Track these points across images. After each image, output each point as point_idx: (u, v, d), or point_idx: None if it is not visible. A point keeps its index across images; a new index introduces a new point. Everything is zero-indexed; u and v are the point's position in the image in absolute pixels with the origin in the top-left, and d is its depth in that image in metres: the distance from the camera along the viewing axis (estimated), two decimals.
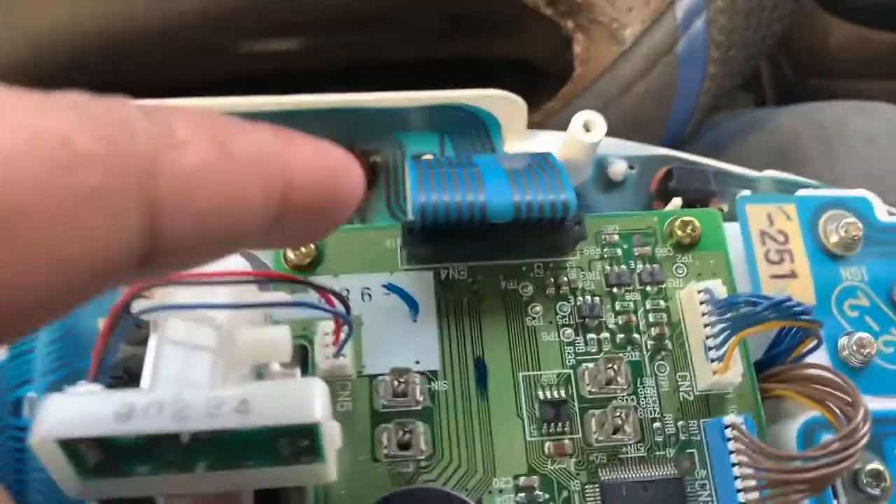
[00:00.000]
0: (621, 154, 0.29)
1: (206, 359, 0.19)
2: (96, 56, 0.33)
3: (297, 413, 0.18)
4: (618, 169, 0.28)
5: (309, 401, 0.18)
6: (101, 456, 0.19)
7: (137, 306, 0.20)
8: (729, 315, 0.22)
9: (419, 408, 0.22)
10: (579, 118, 0.26)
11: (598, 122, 0.26)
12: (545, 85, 0.61)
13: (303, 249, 0.24)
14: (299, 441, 0.19)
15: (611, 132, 0.27)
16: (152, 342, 0.20)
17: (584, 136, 0.26)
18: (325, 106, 0.27)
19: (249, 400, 0.18)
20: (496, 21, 0.41)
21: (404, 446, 0.22)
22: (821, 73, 0.52)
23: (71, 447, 0.18)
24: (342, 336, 0.21)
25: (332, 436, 0.19)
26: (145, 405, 0.18)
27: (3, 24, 0.31)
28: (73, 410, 0.18)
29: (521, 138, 0.28)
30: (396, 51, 0.40)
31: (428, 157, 0.28)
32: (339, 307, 0.21)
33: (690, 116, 0.33)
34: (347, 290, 0.23)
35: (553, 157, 0.25)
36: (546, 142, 0.29)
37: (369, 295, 0.23)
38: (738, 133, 0.37)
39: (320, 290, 0.21)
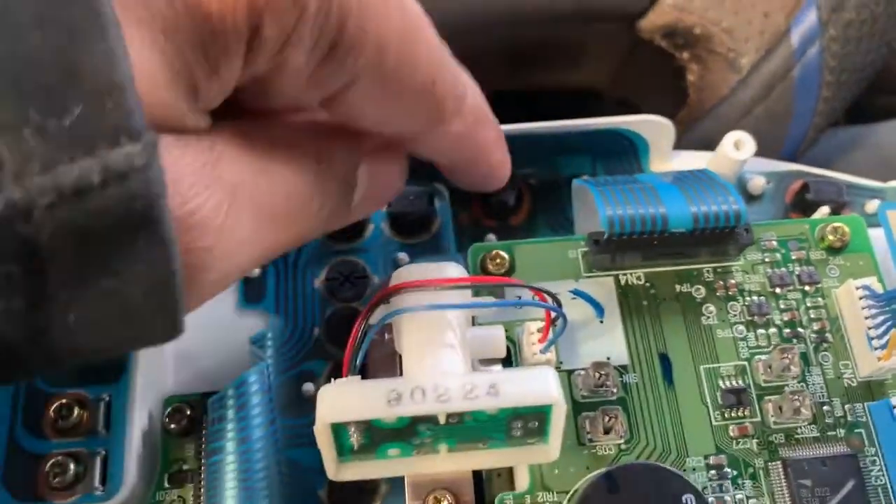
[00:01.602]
0: (758, 170, 0.31)
1: (450, 351, 0.22)
2: None
3: (539, 394, 0.21)
4: (757, 183, 0.31)
5: (548, 384, 0.21)
6: (363, 439, 0.22)
7: (380, 313, 0.23)
8: (889, 308, 0.25)
9: (615, 398, 0.25)
10: (731, 138, 0.29)
11: (748, 142, 0.29)
12: (604, 110, 0.64)
13: (498, 261, 0.26)
14: (531, 422, 0.22)
15: None
16: (400, 342, 0.23)
17: (734, 153, 0.29)
18: None
19: (498, 384, 0.21)
20: (597, 53, 0.44)
21: (607, 431, 0.24)
22: (888, 91, 0.55)
23: (341, 431, 0.21)
24: (552, 333, 0.24)
25: (560, 416, 0.22)
26: (410, 390, 0.21)
27: None
28: (347, 398, 0.21)
29: (666, 158, 0.32)
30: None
31: (584, 177, 0.31)
32: (553, 304, 0.24)
33: (805, 136, 0.35)
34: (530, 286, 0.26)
35: (712, 173, 0.27)
36: (688, 160, 0.32)
37: (559, 301, 0.26)
38: (840, 149, 0.39)
39: (536, 290, 0.24)
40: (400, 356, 0.24)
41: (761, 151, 0.33)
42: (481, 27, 0.36)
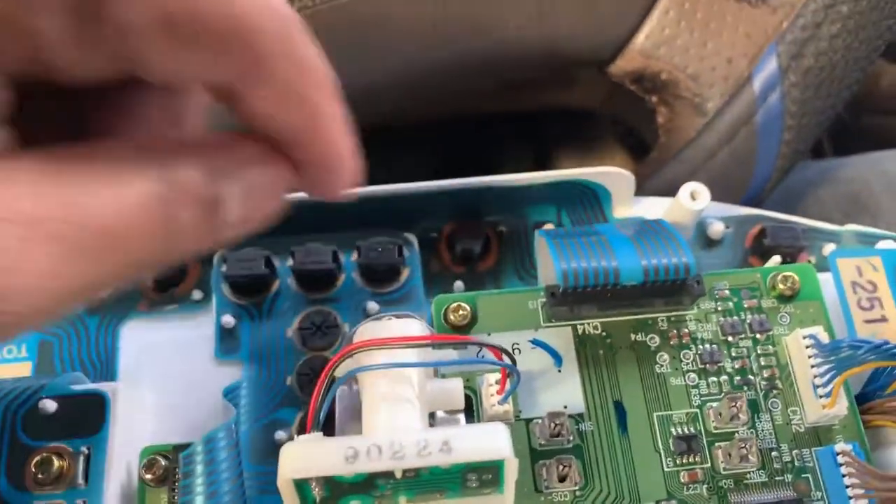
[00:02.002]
0: (717, 215, 0.33)
1: (408, 407, 0.23)
2: None
3: (489, 450, 0.22)
4: (716, 229, 0.32)
5: (499, 440, 0.22)
6: (325, 492, 0.23)
7: (344, 368, 0.24)
8: (833, 357, 0.26)
9: (571, 445, 0.26)
10: (686, 189, 0.30)
11: (703, 193, 0.30)
12: (599, 131, 0.65)
13: (460, 312, 0.28)
14: (485, 474, 0.23)
15: None
16: (363, 396, 0.24)
17: (690, 203, 0.30)
18: (458, 187, 0.31)
19: (451, 440, 0.22)
20: (586, 80, 0.45)
21: (562, 479, 0.25)
22: (872, 111, 0.56)
23: (303, 485, 0.23)
24: (508, 385, 0.25)
25: (513, 470, 0.23)
26: (367, 448, 0.22)
27: None
28: (307, 455, 0.22)
29: (627, 205, 0.33)
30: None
31: (549, 226, 0.33)
32: (508, 361, 0.25)
33: (769, 176, 0.37)
34: (492, 343, 0.27)
35: (666, 223, 0.29)
36: (648, 207, 0.33)
37: (518, 349, 0.27)
38: (810, 184, 0.40)
39: (492, 348, 0.25)
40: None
41: (727, 192, 0.35)
42: (467, 67, 0.37)
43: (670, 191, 0.36)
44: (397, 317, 0.28)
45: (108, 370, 0.30)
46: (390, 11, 0.35)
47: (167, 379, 0.29)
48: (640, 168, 0.39)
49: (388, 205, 0.31)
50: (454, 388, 0.25)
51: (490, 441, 0.22)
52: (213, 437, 0.24)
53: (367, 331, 0.25)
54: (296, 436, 0.28)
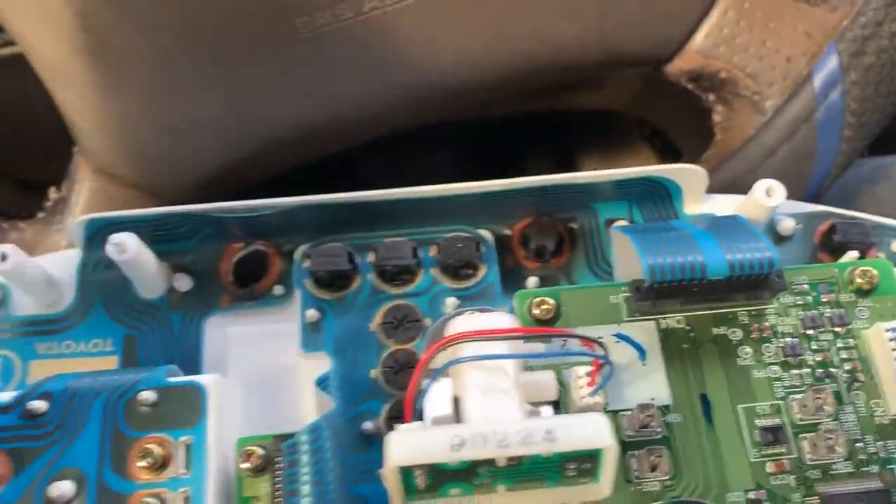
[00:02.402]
0: (787, 211, 0.33)
1: (507, 398, 0.24)
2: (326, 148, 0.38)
3: (592, 439, 0.23)
4: (787, 225, 0.33)
5: (602, 429, 0.23)
6: (428, 480, 0.24)
7: (441, 360, 0.25)
8: None
9: (659, 437, 0.27)
10: (762, 185, 0.30)
11: (779, 190, 0.30)
12: (624, 132, 0.65)
13: (544, 306, 0.28)
14: (584, 463, 0.24)
15: None
16: (460, 388, 0.24)
17: (766, 200, 0.30)
18: (532, 185, 0.31)
19: (554, 430, 0.23)
20: (618, 82, 0.46)
21: (653, 468, 0.26)
22: None
23: (408, 473, 0.23)
24: (600, 377, 0.26)
25: (612, 458, 0.23)
26: (472, 436, 0.23)
27: (241, 121, 0.36)
28: (415, 443, 0.23)
29: (698, 202, 0.33)
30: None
31: (622, 222, 0.33)
32: (601, 352, 0.25)
33: (828, 173, 0.37)
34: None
35: (743, 219, 0.29)
36: (718, 203, 0.33)
37: (602, 344, 0.28)
38: (865, 181, 0.41)
39: (585, 340, 0.25)
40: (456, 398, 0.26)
41: (787, 190, 0.35)
42: (522, 71, 0.38)
43: (731, 188, 0.37)
44: (481, 312, 0.29)
45: (192, 364, 0.30)
46: (456, 14, 0.36)
47: (252, 372, 0.30)
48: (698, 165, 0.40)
49: (462, 202, 0.32)
50: (547, 380, 0.26)
51: (592, 430, 0.23)
52: (317, 426, 0.24)
53: (459, 323, 0.26)
54: (383, 426, 0.29)
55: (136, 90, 0.35)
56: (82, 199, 0.37)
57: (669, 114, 0.54)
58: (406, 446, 0.22)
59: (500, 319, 0.26)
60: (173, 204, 0.37)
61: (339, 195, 0.31)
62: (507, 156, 0.67)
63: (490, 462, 0.23)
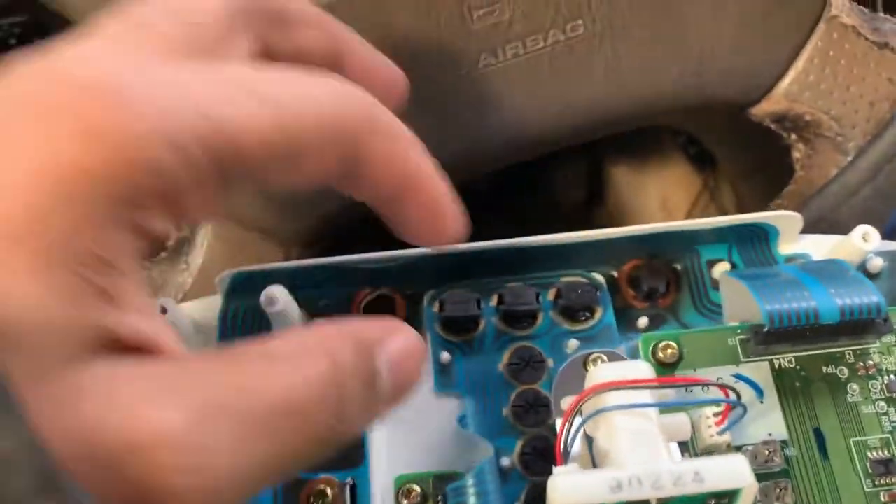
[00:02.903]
0: (874, 249, 0.35)
1: (655, 442, 0.26)
2: None
3: (737, 479, 0.25)
4: (876, 264, 0.35)
5: (744, 470, 0.25)
6: None
7: (586, 407, 0.27)
8: None
9: (779, 469, 0.29)
10: (860, 230, 0.33)
11: (874, 235, 0.33)
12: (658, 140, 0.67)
13: (669, 350, 0.31)
14: (722, 499, 0.26)
15: (844, 228, 0.34)
16: (609, 433, 0.27)
17: (862, 244, 0.33)
18: (645, 232, 0.34)
19: (701, 472, 0.25)
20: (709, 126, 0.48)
21: (776, 499, 0.28)
22: None
23: None
24: (730, 418, 0.28)
25: (752, 495, 0.26)
26: (629, 479, 0.25)
27: None
28: (576, 486, 0.25)
29: (793, 242, 0.36)
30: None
31: (724, 265, 0.35)
32: (733, 397, 0.28)
33: None
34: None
35: (846, 264, 0.31)
36: (811, 244, 0.36)
37: (738, 393, 0.30)
38: None
39: (722, 387, 0.28)
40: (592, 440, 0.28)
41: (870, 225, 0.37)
42: (610, 117, 0.40)
43: (816, 224, 0.40)
44: (606, 356, 0.32)
45: None
46: (573, 62, 0.38)
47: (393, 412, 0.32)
48: (778, 202, 0.42)
49: (575, 248, 0.34)
50: (683, 422, 0.28)
51: (737, 470, 0.25)
52: (482, 470, 0.27)
53: (601, 373, 0.28)
54: (517, 462, 0.31)
55: None
56: (207, 240, 0.39)
57: (705, 124, 0.56)
58: (569, 490, 0.25)
59: (641, 368, 0.28)
60: (291, 245, 0.40)
61: (463, 245, 0.33)
62: (536, 167, 0.68)
63: (643, 502, 0.25)
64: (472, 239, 0.34)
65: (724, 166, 0.60)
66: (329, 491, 0.28)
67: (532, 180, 0.71)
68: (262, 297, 0.31)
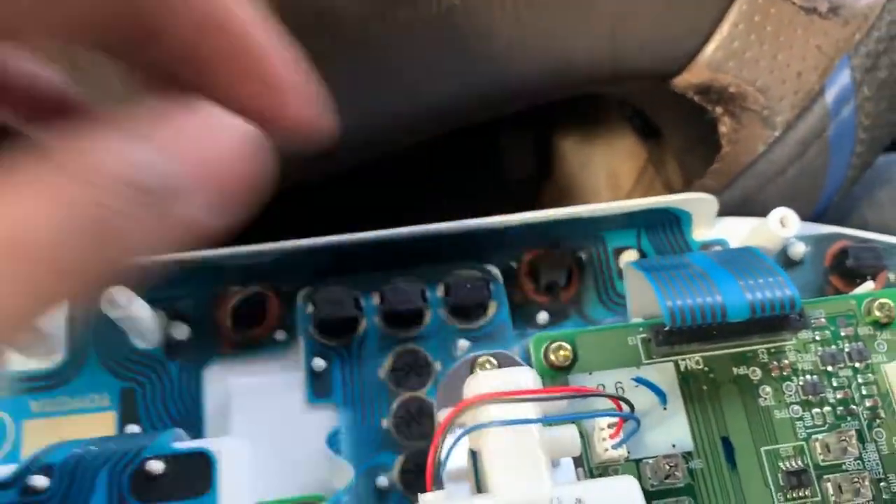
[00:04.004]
0: (797, 234, 0.32)
1: (535, 463, 0.23)
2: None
3: None
4: (798, 250, 0.32)
5: (634, 497, 0.22)
6: None
7: (465, 421, 0.24)
8: None
9: (682, 484, 0.26)
10: (776, 214, 0.30)
11: (793, 219, 0.30)
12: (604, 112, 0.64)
13: (561, 353, 0.27)
14: None
15: (771, 209, 0.31)
16: (483, 453, 0.24)
17: (780, 230, 0.30)
18: (547, 219, 0.30)
19: (583, 499, 0.22)
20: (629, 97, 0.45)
21: None
22: None
23: None
24: (624, 431, 0.25)
25: None
26: None
27: None
28: None
29: (708, 227, 0.32)
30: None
31: (632, 253, 0.32)
32: (627, 409, 0.25)
33: (837, 190, 0.36)
34: (603, 385, 0.27)
35: (759, 253, 0.28)
36: (729, 227, 0.33)
37: (622, 388, 0.27)
38: (864, 185, 0.40)
39: (614, 398, 0.25)
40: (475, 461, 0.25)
41: (797, 207, 0.34)
42: (527, 85, 0.37)
43: (741, 206, 0.36)
44: (496, 359, 0.28)
45: (193, 417, 0.29)
46: (471, 27, 0.34)
47: (259, 426, 0.29)
48: (703, 181, 0.39)
49: (464, 239, 0.30)
50: (571, 437, 0.25)
51: (625, 498, 0.22)
52: (337, 500, 0.23)
53: (479, 383, 0.25)
54: (397, 481, 0.28)
55: None
56: None
57: (650, 97, 0.53)
58: None
59: (524, 376, 0.24)
60: None
61: (341, 237, 0.29)
62: (483, 140, 0.66)
63: None
64: (414, 218, 0.30)
65: (668, 139, 0.57)
66: None
67: (479, 155, 0.68)
68: (102, 301, 0.27)
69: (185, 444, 0.26)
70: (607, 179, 0.68)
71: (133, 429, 0.29)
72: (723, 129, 0.38)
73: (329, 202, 0.53)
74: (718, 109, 0.38)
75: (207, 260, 0.29)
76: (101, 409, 0.29)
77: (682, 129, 0.54)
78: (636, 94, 0.53)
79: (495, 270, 0.31)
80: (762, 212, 0.34)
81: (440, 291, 0.30)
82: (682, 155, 0.56)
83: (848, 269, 0.31)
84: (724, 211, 0.34)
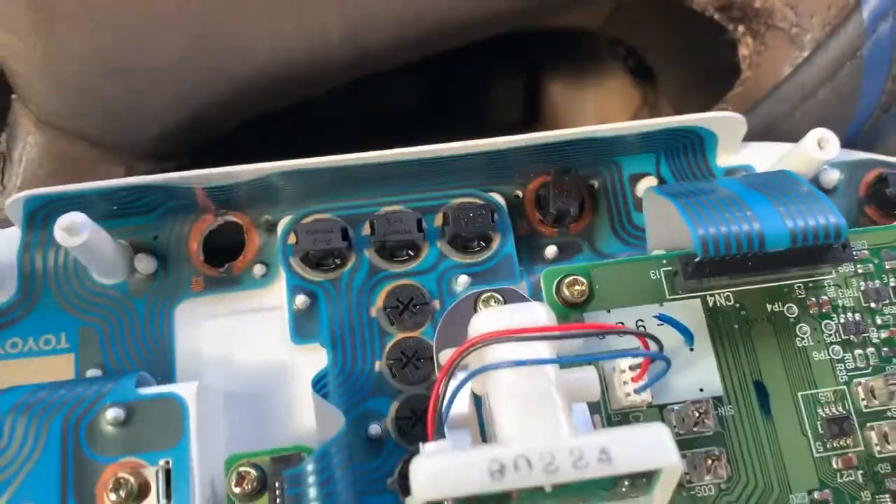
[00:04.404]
0: (829, 160, 0.29)
1: (552, 410, 0.20)
2: (287, 96, 0.33)
3: (656, 459, 0.19)
4: (831, 177, 0.29)
5: (666, 447, 0.19)
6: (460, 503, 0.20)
7: (469, 363, 0.21)
8: None
9: (712, 433, 0.23)
10: (814, 135, 0.27)
11: (832, 141, 0.27)
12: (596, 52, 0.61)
13: (576, 287, 0.24)
14: (640, 479, 0.20)
15: (798, 136, 0.28)
16: (493, 396, 0.21)
17: (817, 153, 0.27)
18: (553, 140, 0.27)
19: (609, 449, 0.19)
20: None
21: (707, 471, 0.23)
22: None
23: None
24: (650, 373, 0.22)
25: (675, 478, 0.20)
26: (514, 460, 0.19)
27: (204, 65, 0.31)
28: (446, 472, 0.19)
29: (734, 152, 0.29)
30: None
31: (650, 179, 0.29)
32: (655, 348, 0.22)
33: (869, 117, 0.33)
34: (622, 324, 0.24)
35: (798, 178, 0.25)
36: (758, 154, 0.30)
37: (644, 327, 0.24)
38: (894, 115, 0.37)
39: (638, 335, 0.22)
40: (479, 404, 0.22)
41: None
42: None
43: (763, 135, 0.33)
44: (502, 295, 0.25)
45: (163, 362, 0.26)
46: None
47: (235, 369, 0.26)
48: (721, 105, 0.35)
49: (469, 162, 0.27)
50: (590, 380, 0.22)
51: (656, 448, 0.19)
52: (325, 453, 0.20)
53: (486, 319, 0.21)
54: (391, 428, 0.25)
55: (78, 22, 0.30)
56: (27, 156, 0.31)
57: (647, 34, 0.50)
58: (435, 475, 0.19)
59: (537, 312, 0.21)
60: (140, 159, 0.33)
61: (326, 159, 0.26)
62: (470, 80, 0.63)
63: (535, 488, 0.19)
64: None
65: (662, 80, 0.54)
66: (131, 480, 0.21)
67: (469, 100, 0.65)
68: (57, 229, 0.24)
69: (152, 389, 0.23)
70: (598, 123, 0.65)
71: (95, 373, 0.26)
72: (744, 51, 0.35)
73: (317, 140, 0.49)
74: (740, 28, 0.34)
75: (177, 182, 0.26)
76: (58, 351, 0.26)
77: (678, 68, 0.51)
78: (631, 31, 0.50)
79: (498, 198, 0.28)
80: (788, 140, 0.30)
81: (438, 221, 0.27)
82: (678, 97, 0.53)
83: (887, 198, 0.29)
84: (747, 140, 0.31)
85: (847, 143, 0.34)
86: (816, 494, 0.23)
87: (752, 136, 0.32)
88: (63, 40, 0.30)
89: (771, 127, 0.33)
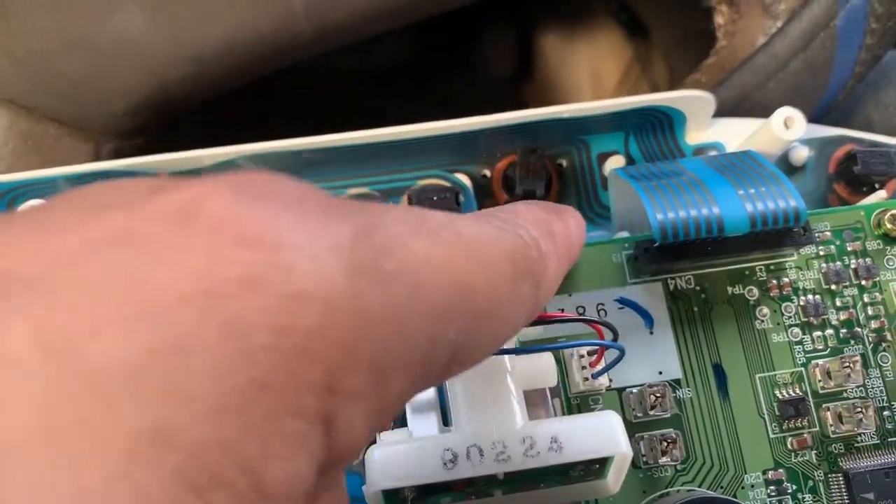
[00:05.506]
0: (799, 136, 0.29)
1: (506, 398, 0.20)
2: (254, 69, 0.33)
3: (606, 447, 0.20)
4: (800, 154, 0.29)
5: (616, 435, 0.20)
6: (415, 493, 0.21)
7: None
8: None
9: (669, 415, 0.24)
10: (780, 114, 0.26)
11: (799, 120, 0.26)
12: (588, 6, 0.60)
13: None
14: (592, 465, 0.21)
15: (771, 108, 0.28)
16: (449, 385, 0.21)
17: (784, 133, 0.26)
18: (520, 121, 0.27)
19: (560, 437, 0.20)
20: None
21: (663, 453, 0.23)
22: None
23: (396, 491, 0.20)
24: (606, 360, 0.23)
25: (626, 464, 0.20)
26: (467, 450, 0.19)
27: (167, 39, 0.31)
28: (400, 462, 0.19)
29: (702, 130, 0.29)
30: None
31: (618, 159, 0.29)
32: (610, 337, 0.22)
33: (843, 87, 0.33)
34: (584, 308, 0.25)
35: (761, 158, 0.25)
36: (727, 129, 0.30)
37: (604, 310, 0.25)
38: (868, 86, 0.37)
39: (593, 323, 0.22)
40: (441, 392, 0.22)
41: (799, 105, 0.31)
42: None
43: (735, 106, 0.33)
44: None
45: None
46: None
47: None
48: (695, 76, 0.35)
49: (434, 143, 0.27)
50: (547, 365, 0.22)
51: (606, 436, 0.20)
52: None
53: None
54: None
55: None
56: None
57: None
58: (389, 465, 0.19)
59: None
60: (107, 137, 0.32)
61: (291, 141, 0.26)
62: (460, 35, 0.62)
63: (488, 476, 0.20)
64: (394, 119, 0.27)
65: (655, 35, 0.54)
66: None
67: (459, 54, 0.64)
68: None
69: None
70: (590, 78, 0.64)
71: None
72: (719, 19, 0.34)
73: (297, 105, 0.49)
74: None
75: (147, 165, 0.26)
76: None
77: (671, 24, 0.50)
78: None
79: (464, 179, 0.28)
80: (761, 112, 0.30)
81: (403, 203, 0.27)
82: (671, 53, 0.52)
83: (855, 175, 0.29)
84: (720, 111, 0.31)
85: (821, 114, 0.34)
86: (770, 474, 0.24)
87: (725, 107, 0.32)
88: (20, 15, 0.29)
89: (743, 99, 0.33)
